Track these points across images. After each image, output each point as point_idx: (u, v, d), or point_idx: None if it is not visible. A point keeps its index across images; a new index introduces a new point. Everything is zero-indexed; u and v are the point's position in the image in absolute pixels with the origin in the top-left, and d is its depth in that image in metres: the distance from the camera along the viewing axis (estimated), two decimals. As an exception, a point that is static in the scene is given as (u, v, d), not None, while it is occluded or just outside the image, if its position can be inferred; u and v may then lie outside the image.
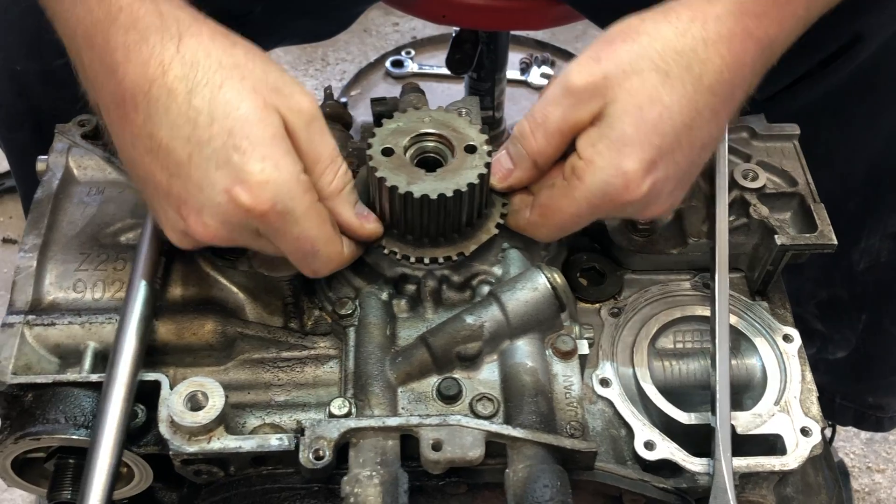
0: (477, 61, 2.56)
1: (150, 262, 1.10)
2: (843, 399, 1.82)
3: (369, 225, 1.10)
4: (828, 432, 2.09)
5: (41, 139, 1.31)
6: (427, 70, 3.22)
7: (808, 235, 1.22)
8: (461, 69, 2.59)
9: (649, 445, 1.11)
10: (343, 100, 3.07)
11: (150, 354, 1.11)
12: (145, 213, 1.17)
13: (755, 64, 1.10)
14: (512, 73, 3.07)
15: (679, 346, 1.24)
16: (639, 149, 1.04)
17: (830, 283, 1.63)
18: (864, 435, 2.48)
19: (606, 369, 1.19)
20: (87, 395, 1.05)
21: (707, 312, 1.22)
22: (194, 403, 1.01)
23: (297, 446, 0.99)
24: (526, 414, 1.03)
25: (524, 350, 1.09)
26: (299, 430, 1.00)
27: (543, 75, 3.18)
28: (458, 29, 2.55)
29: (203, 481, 1.07)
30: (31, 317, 1.12)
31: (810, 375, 1.19)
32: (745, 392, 1.20)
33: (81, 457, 1.05)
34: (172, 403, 1.00)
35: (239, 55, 1.03)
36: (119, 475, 1.08)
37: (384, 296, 1.15)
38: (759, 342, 1.21)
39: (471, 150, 1.10)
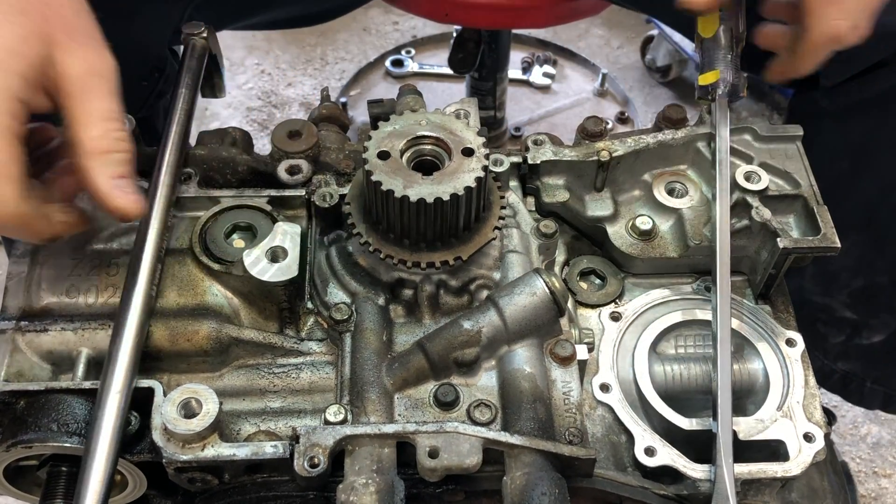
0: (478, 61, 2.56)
1: (147, 267, 1.10)
2: (873, 383, 1.85)
3: (122, 200, 1.02)
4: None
5: None
6: (428, 69, 3.22)
7: (811, 238, 1.21)
8: (464, 69, 2.59)
9: (650, 452, 1.11)
10: (343, 100, 3.08)
11: (144, 361, 1.11)
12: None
13: None
14: (514, 72, 3.07)
15: (680, 350, 1.24)
16: None
17: (870, 270, 1.64)
18: (871, 439, 2.48)
19: (606, 374, 1.19)
20: (80, 403, 1.04)
21: (709, 316, 1.22)
22: (188, 410, 1.01)
23: (291, 454, 0.99)
24: (524, 420, 1.03)
25: (522, 356, 1.09)
26: (294, 438, 1.00)
27: (545, 74, 3.17)
28: (459, 28, 2.55)
29: (197, 489, 1.07)
30: (23, 323, 1.12)
31: (813, 380, 1.18)
32: (747, 397, 1.20)
33: (74, 465, 1.05)
34: (166, 411, 1.00)
35: None
36: (113, 483, 1.09)
37: (381, 301, 1.15)
38: (762, 346, 1.20)
39: (468, 153, 1.09)
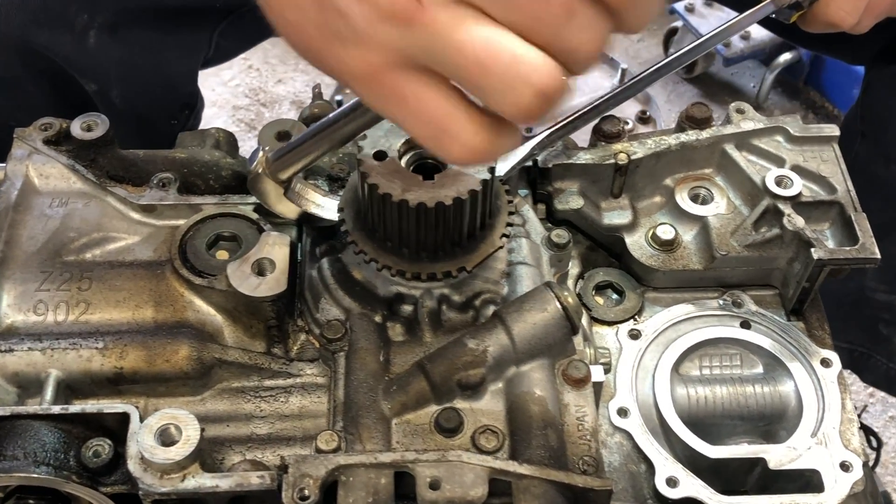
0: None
1: None
2: None
3: None
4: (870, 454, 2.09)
5: None
6: (430, 65, 3.22)
7: (848, 249, 1.21)
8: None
9: (672, 482, 1.11)
10: (337, 98, 3.09)
11: (119, 383, 1.11)
12: (112, 227, 1.18)
13: None
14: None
15: (705, 371, 1.24)
16: None
17: None
18: (917, 468, 2.48)
19: (624, 398, 1.19)
20: (48, 429, 1.04)
21: (736, 334, 1.22)
22: (167, 438, 1.01)
23: (279, 485, 0.99)
24: (534, 448, 1.03)
25: (532, 377, 1.09)
26: (282, 467, 1.00)
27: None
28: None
29: (177, 523, 1.07)
30: (-14, 342, 1.12)
31: (850, 404, 1.18)
32: (778, 422, 1.20)
33: (42, 497, 1.05)
34: (143, 438, 1.00)
35: None
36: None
37: (377, 318, 1.16)
38: (795, 367, 1.21)
39: (472, 155, 1.09)
